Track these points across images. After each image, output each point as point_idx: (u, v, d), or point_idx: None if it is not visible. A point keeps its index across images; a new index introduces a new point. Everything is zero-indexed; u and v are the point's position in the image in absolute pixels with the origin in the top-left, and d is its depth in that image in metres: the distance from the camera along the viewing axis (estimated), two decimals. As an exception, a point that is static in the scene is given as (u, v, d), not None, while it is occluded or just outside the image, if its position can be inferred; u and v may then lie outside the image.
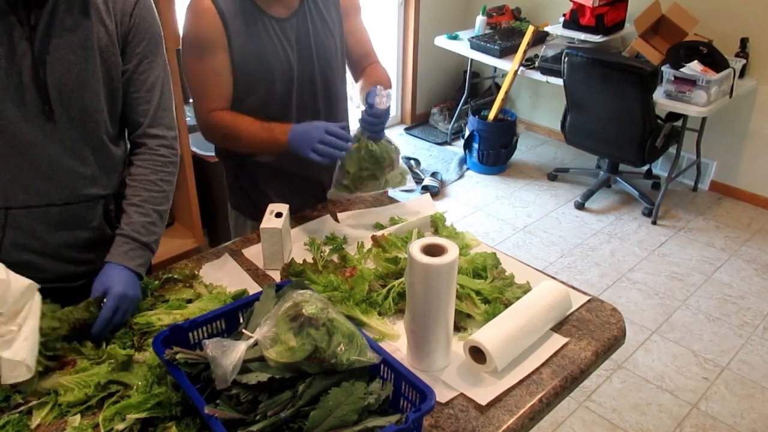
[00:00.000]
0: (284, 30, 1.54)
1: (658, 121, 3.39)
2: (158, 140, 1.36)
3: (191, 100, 1.71)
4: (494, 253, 1.45)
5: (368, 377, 1.02)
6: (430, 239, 1.09)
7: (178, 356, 1.00)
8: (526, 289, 1.35)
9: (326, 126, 1.45)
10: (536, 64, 3.80)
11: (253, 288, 1.38)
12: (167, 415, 1.02)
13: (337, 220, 1.67)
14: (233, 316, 1.15)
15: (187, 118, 2.85)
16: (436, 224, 1.58)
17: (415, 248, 1.07)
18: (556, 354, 1.21)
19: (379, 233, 1.51)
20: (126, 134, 1.40)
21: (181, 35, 1.51)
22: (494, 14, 4.37)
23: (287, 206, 1.50)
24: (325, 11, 1.60)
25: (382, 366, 1.04)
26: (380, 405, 0.99)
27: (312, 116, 1.65)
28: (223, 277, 1.43)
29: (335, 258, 1.47)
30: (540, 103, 4.71)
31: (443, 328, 1.13)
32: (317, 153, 1.43)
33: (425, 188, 3.92)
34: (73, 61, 1.20)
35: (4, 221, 1.26)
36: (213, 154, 1.81)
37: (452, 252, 1.06)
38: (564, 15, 3.84)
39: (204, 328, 1.12)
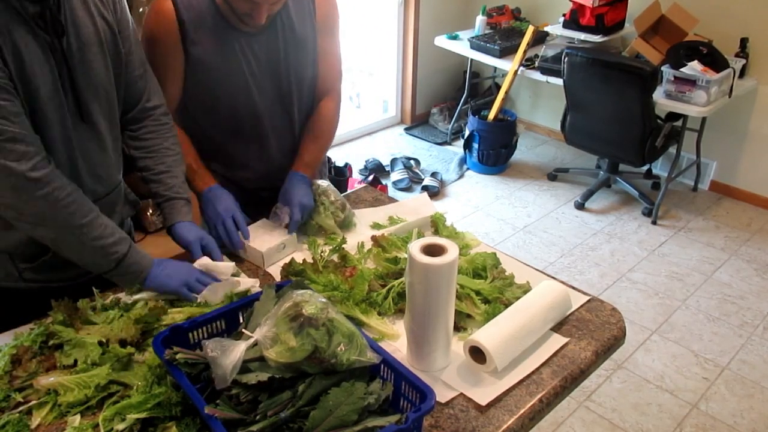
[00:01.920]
0: (251, 46, 1.49)
1: (658, 121, 3.39)
2: (158, 110, 1.45)
3: None
4: (494, 253, 1.45)
5: (368, 377, 1.02)
6: (430, 239, 1.09)
7: (178, 356, 1.00)
8: (526, 289, 1.35)
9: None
10: (536, 64, 3.80)
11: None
12: (167, 415, 1.02)
13: None
14: (233, 316, 1.15)
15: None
16: (436, 224, 1.58)
17: (415, 248, 1.07)
18: (556, 354, 1.21)
19: (379, 233, 1.51)
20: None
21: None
22: (494, 14, 4.37)
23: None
24: (298, 26, 1.53)
25: (382, 366, 1.04)
26: (380, 405, 0.99)
27: (288, 131, 1.65)
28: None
29: (335, 258, 1.47)
30: (540, 103, 4.71)
31: (443, 328, 1.13)
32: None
33: (425, 188, 3.92)
34: (91, 59, 1.23)
35: None
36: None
37: (452, 252, 1.06)
38: (564, 15, 3.83)
39: (204, 328, 1.12)
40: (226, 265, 1.39)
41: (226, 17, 1.45)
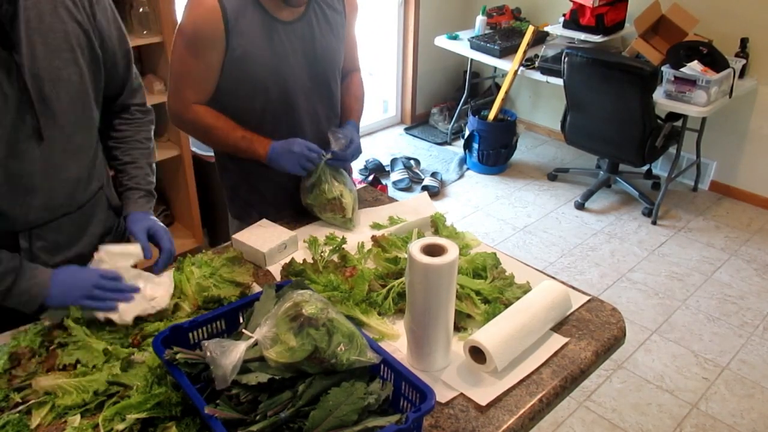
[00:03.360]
0: (289, 34, 1.53)
1: (658, 121, 3.39)
2: (135, 105, 1.44)
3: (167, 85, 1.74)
4: (494, 253, 1.45)
5: (368, 377, 1.02)
6: (430, 239, 1.09)
7: (178, 356, 1.00)
8: (526, 289, 1.35)
9: (306, 143, 1.56)
10: (536, 64, 3.79)
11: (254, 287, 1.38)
12: (167, 415, 1.02)
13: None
14: (233, 316, 1.15)
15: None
16: (436, 224, 1.58)
17: (415, 248, 1.07)
18: (556, 354, 1.21)
19: (379, 233, 1.51)
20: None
21: (178, 22, 1.50)
22: (494, 14, 4.37)
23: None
24: (329, 13, 1.59)
25: (382, 366, 1.04)
26: (380, 405, 0.99)
27: (313, 119, 1.66)
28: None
29: (335, 258, 1.47)
30: (540, 103, 4.71)
31: (443, 328, 1.13)
32: (303, 168, 1.57)
33: (425, 188, 3.92)
34: (60, 66, 1.18)
35: (29, 241, 1.27)
36: (213, 154, 1.81)
37: (452, 252, 1.06)
38: (564, 15, 3.83)
39: (204, 328, 1.12)
40: (134, 246, 1.30)
41: (265, 5, 1.48)
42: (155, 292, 1.25)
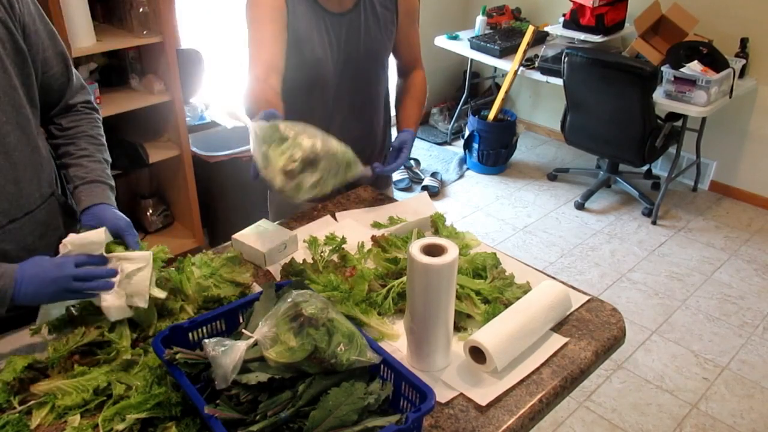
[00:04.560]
0: (335, 26, 1.57)
1: (658, 121, 3.39)
2: (81, 103, 1.38)
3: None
4: (494, 253, 1.45)
5: (368, 377, 1.02)
6: (430, 239, 1.09)
7: (177, 356, 1.00)
8: (526, 289, 1.35)
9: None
10: (536, 64, 3.80)
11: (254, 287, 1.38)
12: (167, 415, 1.02)
13: (335, 219, 1.67)
14: (233, 316, 1.15)
15: (188, 118, 2.85)
16: (436, 224, 1.58)
17: (415, 248, 1.07)
18: (556, 354, 1.21)
19: (379, 233, 1.51)
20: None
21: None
22: (494, 14, 4.37)
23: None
24: (380, 9, 1.63)
25: (382, 366, 1.04)
26: (380, 405, 0.99)
27: (348, 112, 1.71)
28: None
29: (335, 258, 1.46)
30: (540, 103, 4.71)
31: (443, 328, 1.13)
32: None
33: (425, 188, 3.92)
34: None
35: None
36: (213, 154, 1.81)
37: (452, 252, 1.06)
38: (564, 15, 3.84)
39: (204, 328, 1.12)
40: (97, 233, 1.17)
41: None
42: (99, 240, 1.17)
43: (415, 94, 1.81)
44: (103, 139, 1.40)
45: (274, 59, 1.52)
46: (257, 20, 1.52)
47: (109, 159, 1.39)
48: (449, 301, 1.11)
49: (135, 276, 1.16)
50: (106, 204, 1.28)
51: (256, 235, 1.51)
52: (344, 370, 0.99)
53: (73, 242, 1.16)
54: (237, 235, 1.52)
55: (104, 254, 1.17)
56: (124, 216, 1.28)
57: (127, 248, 1.22)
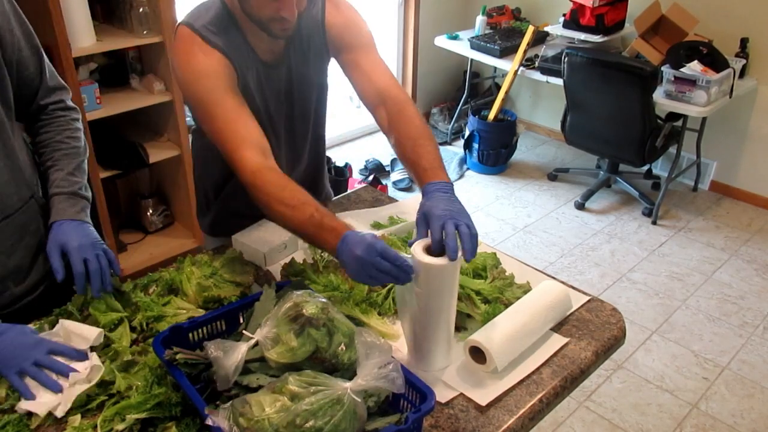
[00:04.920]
0: (273, 78, 1.43)
1: (658, 121, 3.39)
2: (53, 104, 1.34)
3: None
4: (494, 253, 1.45)
5: None
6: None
7: (178, 356, 1.00)
8: (526, 289, 1.35)
9: (380, 247, 1.06)
10: (536, 64, 3.79)
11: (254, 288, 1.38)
12: (167, 416, 1.02)
13: None
14: (233, 317, 1.15)
15: (188, 118, 2.85)
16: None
17: (417, 248, 1.06)
18: (556, 354, 1.21)
19: (378, 233, 1.51)
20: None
21: (180, 84, 1.36)
22: (494, 14, 4.37)
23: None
24: (308, 49, 1.45)
25: None
26: (380, 405, 0.99)
27: (295, 160, 1.60)
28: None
29: (335, 258, 1.46)
30: (540, 103, 4.71)
31: (444, 328, 1.13)
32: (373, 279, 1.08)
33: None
34: None
35: None
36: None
37: None
38: (564, 15, 3.83)
39: (204, 329, 1.12)
40: (90, 330, 1.16)
41: (253, 46, 1.37)
42: (90, 337, 1.15)
43: (412, 135, 1.33)
44: (77, 141, 1.35)
45: (257, 131, 1.30)
46: (220, 94, 1.29)
47: (81, 160, 1.34)
48: (451, 302, 1.11)
49: (74, 387, 1.09)
50: (66, 219, 1.25)
51: (257, 235, 1.51)
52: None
53: (66, 328, 1.17)
54: (237, 235, 1.52)
55: (87, 353, 1.14)
56: (79, 233, 1.24)
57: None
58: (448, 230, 1.08)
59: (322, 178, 1.77)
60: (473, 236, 1.10)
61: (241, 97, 1.33)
